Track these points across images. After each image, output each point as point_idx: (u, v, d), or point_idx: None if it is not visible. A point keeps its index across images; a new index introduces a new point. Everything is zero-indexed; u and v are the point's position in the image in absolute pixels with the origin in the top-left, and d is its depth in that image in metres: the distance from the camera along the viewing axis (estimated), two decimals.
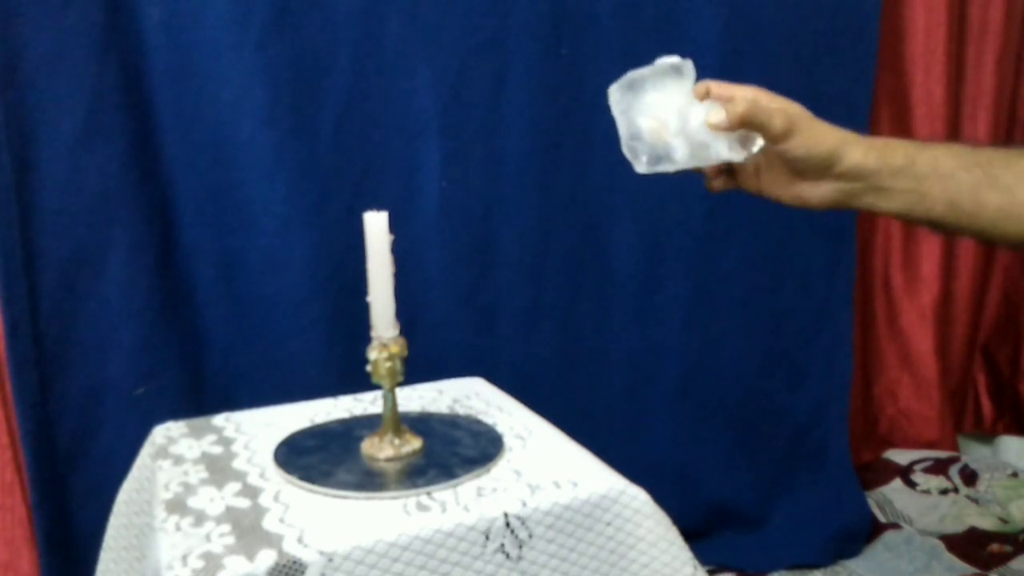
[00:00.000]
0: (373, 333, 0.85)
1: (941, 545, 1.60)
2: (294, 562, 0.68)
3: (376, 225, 0.82)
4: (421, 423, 0.95)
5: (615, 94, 0.76)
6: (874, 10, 1.66)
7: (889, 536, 1.65)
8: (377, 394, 1.05)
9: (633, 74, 0.75)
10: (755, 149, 0.74)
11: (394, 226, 0.83)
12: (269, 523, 0.74)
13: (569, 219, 1.51)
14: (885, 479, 1.83)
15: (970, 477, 1.81)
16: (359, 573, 0.70)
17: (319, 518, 0.75)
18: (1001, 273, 1.98)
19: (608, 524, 0.80)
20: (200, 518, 0.75)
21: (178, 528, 0.74)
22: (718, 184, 0.79)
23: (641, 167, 0.76)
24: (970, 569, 1.54)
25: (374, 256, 0.83)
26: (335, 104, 1.33)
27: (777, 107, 0.70)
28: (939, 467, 1.84)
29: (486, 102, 1.42)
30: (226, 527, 0.73)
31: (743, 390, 1.68)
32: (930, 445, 1.92)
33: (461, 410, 1.02)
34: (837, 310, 1.74)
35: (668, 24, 1.50)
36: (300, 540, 0.70)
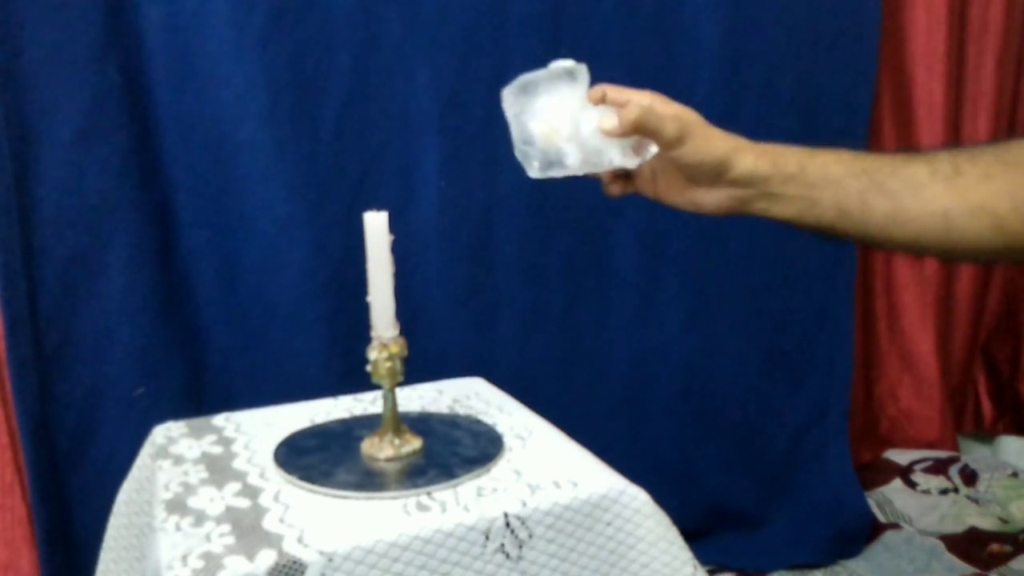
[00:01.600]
0: (373, 333, 0.85)
1: (941, 545, 1.60)
2: (294, 562, 0.68)
3: (376, 225, 0.82)
4: (421, 423, 0.95)
5: (508, 97, 0.74)
6: (875, 10, 1.66)
7: (889, 536, 1.65)
8: (377, 394, 1.05)
9: (526, 77, 0.73)
10: (648, 156, 0.73)
11: (394, 226, 0.83)
12: (269, 523, 0.74)
13: (569, 219, 1.51)
14: (885, 479, 1.83)
15: (970, 477, 1.80)
16: (359, 573, 0.70)
17: (319, 518, 0.75)
18: (1001, 273, 1.98)
19: (608, 524, 0.80)
20: (200, 518, 0.75)
21: (178, 528, 0.74)
22: (615, 189, 0.79)
23: (533, 172, 0.76)
24: (970, 569, 1.54)
25: (374, 256, 0.83)
26: (335, 104, 1.33)
27: (671, 113, 0.70)
28: (939, 467, 1.84)
29: (486, 102, 1.42)
30: (226, 527, 0.73)
31: (743, 391, 1.68)
32: (930, 445, 1.92)
33: (461, 410, 1.02)
34: (837, 310, 1.74)
35: (668, 24, 1.50)
36: (300, 540, 0.70)
